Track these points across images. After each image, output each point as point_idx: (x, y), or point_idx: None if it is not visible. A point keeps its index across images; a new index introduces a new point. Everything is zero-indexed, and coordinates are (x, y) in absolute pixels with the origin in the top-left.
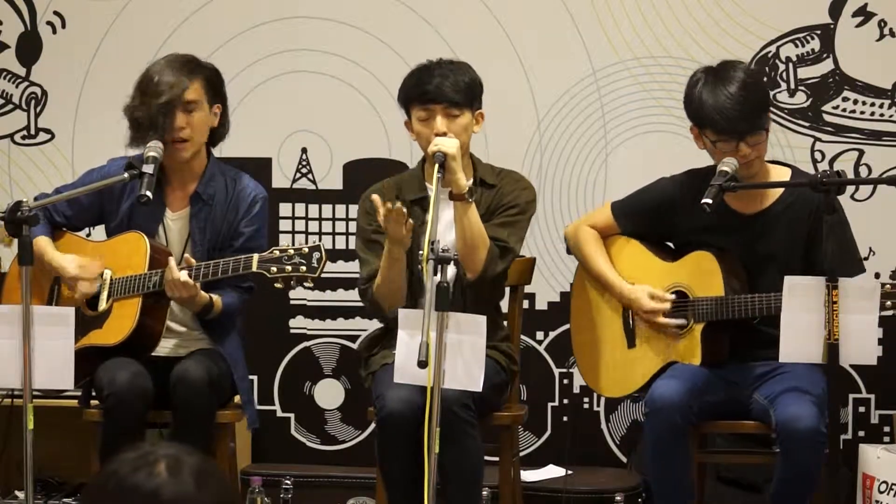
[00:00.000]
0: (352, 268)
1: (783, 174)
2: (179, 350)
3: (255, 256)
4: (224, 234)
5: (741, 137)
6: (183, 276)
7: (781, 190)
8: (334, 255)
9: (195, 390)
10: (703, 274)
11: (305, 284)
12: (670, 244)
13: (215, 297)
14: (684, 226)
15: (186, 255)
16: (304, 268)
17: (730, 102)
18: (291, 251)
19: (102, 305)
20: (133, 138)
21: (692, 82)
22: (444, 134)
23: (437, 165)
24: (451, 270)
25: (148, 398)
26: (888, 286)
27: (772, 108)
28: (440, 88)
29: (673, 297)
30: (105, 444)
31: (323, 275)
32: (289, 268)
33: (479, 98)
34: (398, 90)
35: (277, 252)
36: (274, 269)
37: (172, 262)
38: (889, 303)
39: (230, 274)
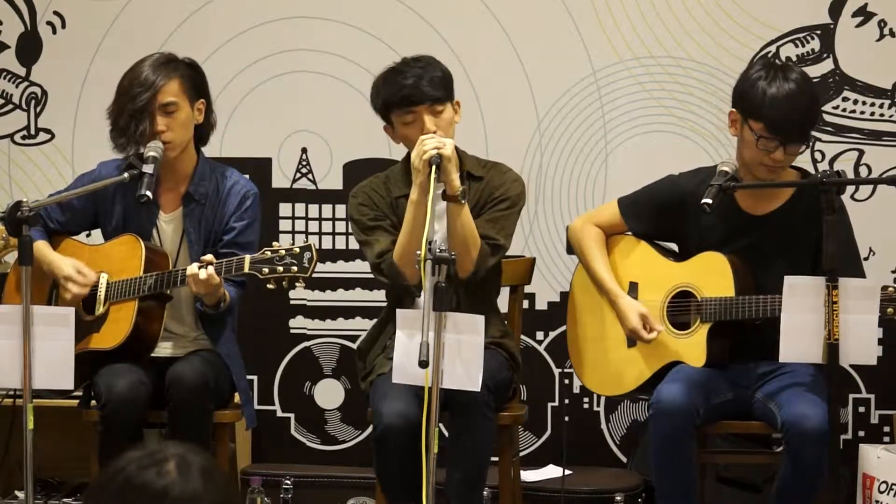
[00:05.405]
0: (352, 268)
1: (792, 176)
2: (178, 351)
3: (247, 258)
4: (216, 231)
5: (785, 142)
6: (203, 272)
7: (792, 191)
8: (334, 254)
9: (189, 392)
10: (712, 274)
11: (297, 284)
12: (674, 246)
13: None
14: (692, 224)
15: (209, 255)
16: (295, 268)
17: (787, 103)
18: (283, 252)
19: (99, 309)
20: (114, 144)
21: (752, 71)
22: (434, 132)
23: (433, 167)
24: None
25: (146, 405)
26: (891, 289)
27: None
28: (419, 88)
29: (661, 328)
30: (103, 451)
31: (323, 275)
32: (280, 268)
33: (453, 88)
34: (371, 98)
35: (269, 253)
36: (266, 269)
37: (194, 266)
38: (890, 309)
39: (223, 275)
